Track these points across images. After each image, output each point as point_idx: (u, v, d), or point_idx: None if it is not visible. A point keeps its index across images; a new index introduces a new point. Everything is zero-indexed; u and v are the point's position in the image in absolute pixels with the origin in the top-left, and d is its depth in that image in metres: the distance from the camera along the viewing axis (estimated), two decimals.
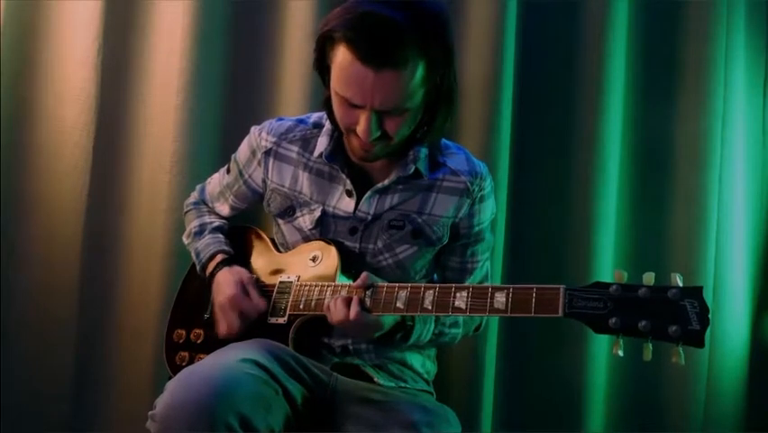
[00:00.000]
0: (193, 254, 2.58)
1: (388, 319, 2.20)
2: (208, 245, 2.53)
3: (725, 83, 3.11)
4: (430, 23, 2.06)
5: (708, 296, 2.98)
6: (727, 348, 3.12)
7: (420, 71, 2.08)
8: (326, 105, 2.27)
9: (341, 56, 2.07)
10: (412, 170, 2.31)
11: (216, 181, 2.69)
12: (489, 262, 2.58)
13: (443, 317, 2.37)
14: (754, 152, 3.22)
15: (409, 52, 2.03)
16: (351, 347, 2.35)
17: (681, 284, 1.81)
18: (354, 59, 2.03)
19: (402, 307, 2.11)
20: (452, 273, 2.49)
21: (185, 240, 2.67)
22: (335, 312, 2.12)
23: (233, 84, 3.08)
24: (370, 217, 2.35)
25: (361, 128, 2.12)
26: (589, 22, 3.10)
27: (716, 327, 3.10)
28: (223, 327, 2.37)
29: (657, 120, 3.15)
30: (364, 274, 2.16)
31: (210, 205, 2.71)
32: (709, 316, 1.77)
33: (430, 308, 2.08)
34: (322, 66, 2.21)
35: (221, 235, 2.57)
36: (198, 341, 2.47)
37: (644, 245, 3.15)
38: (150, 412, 1.95)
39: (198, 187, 2.79)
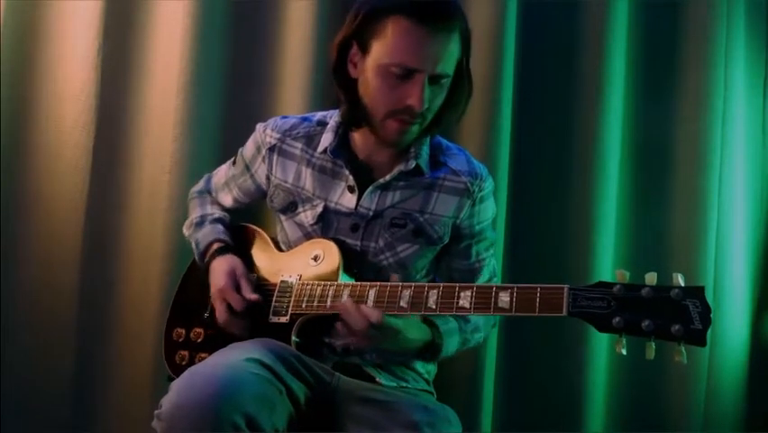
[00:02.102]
0: (193, 245, 2.59)
1: (417, 336, 2.22)
2: (206, 235, 2.55)
3: (725, 83, 3.12)
4: (459, 4, 2.25)
5: (708, 296, 2.98)
6: (727, 348, 3.13)
7: (459, 41, 2.22)
8: (347, 99, 2.33)
9: (394, 26, 2.15)
10: (413, 165, 2.33)
11: (223, 173, 2.71)
12: (494, 259, 2.58)
13: (465, 325, 2.39)
14: (754, 152, 3.23)
15: (456, 19, 2.19)
16: (352, 347, 2.33)
17: (683, 284, 1.82)
18: (413, 24, 2.13)
19: (405, 306, 2.10)
20: (459, 275, 2.49)
21: (185, 231, 2.69)
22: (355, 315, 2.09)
23: (233, 84, 3.08)
24: (371, 214, 2.35)
25: (415, 97, 2.17)
26: (589, 22, 3.11)
27: (716, 326, 3.11)
28: (217, 318, 2.38)
29: (657, 120, 3.16)
30: (394, 276, 2.17)
31: (214, 195, 2.73)
32: (711, 315, 1.78)
33: (434, 307, 2.08)
34: (343, 60, 2.29)
35: (221, 226, 2.59)
36: (198, 340, 2.47)
37: (645, 245, 3.15)
38: (155, 411, 1.95)
39: (205, 176, 2.81)
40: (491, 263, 2.55)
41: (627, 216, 3.17)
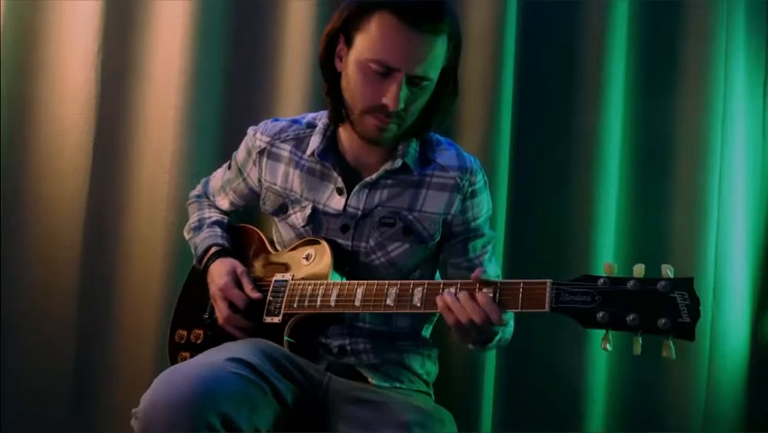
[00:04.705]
0: (192, 249, 2.62)
1: None
2: (204, 239, 2.56)
3: (725, 83, 3.11)
4: (452, 7, 2.21)
5: (708, 296, 3.01)
6: (727, 348, 3.11)
7: (446, 45, 2.21)
8: (331, 92, 2.33)
9: (379, 22, 2.14)
10: (399, 163, 2.33)
11: (219, 176, 2.72)
12: (494, 258, 2.57)
13: None
14: (754, 151, 3.22)
15: (444, 22, 2.16)
16: (348, 348, 2.34)
17: (671, 276, 1.78)
18: (398, 23, 2.11)
19: (392, 304, 2.11)
20: (456, 273, 2.46)
21: (185, 235, 2.71)
22: (466, 310, 2.01)
23: (233, 84, 3.08)
24: (359, 213, 2.35)
25: (391, 96, 2.16)
26: (589, 22, 3.10)
27: (716, 327, 3.09)
28: (218, 318, 2.39)
29: (657, 119, 3.15)
30: (478, 270, 2.07)
31: (211, 198, 2.74)
32: (700, 308, 1.74)
33: (419, 305, 2.09)
34: (331, 53, 2.29)
35: (218, 229, 2.60)
36: (198, 341, 2.48)
37: (644, 245, 3.14)
38: (133, 410, 1.93)
39: (203, 180, 2.82)
40: (492, 259, 2.53)
41: (627, 216, 3.15)
